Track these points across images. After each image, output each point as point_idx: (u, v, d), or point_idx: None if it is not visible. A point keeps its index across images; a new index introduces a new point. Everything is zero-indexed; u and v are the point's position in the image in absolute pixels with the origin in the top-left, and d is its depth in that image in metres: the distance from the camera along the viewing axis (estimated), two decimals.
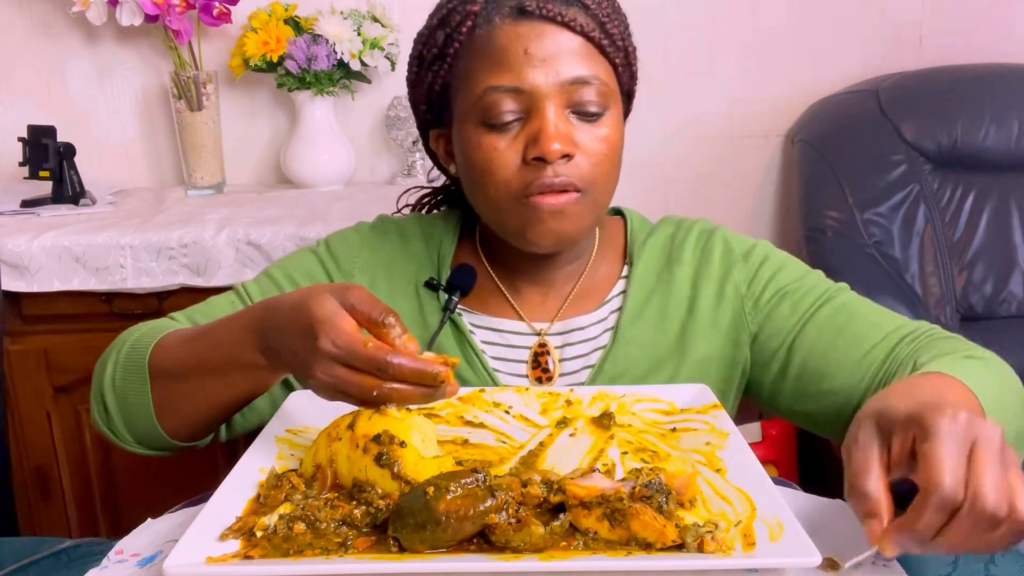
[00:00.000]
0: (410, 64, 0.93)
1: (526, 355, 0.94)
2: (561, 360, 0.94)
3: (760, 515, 0.61)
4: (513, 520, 0.58)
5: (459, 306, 0.95)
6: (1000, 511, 0.54)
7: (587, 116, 0.84)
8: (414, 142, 1.93)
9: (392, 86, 1.97)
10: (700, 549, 0.57)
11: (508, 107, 0.83)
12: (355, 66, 1.83)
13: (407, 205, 1.11)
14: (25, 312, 1.60)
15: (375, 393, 0.66)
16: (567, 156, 0.82)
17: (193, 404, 0.82)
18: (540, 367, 0.94)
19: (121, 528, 0.69)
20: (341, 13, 1.84)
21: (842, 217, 1.83)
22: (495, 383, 0.92)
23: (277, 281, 0.96)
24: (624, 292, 0.96)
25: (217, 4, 1.78)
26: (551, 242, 0.87)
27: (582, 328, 0.95)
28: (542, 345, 0.94)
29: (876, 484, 0.58)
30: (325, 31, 1.81)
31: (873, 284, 1.77)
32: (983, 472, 0.54)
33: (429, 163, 2.02)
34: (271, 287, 0.95)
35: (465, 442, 0.78)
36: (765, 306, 0.94)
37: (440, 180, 1.08)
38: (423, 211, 1.09)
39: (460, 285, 0.94)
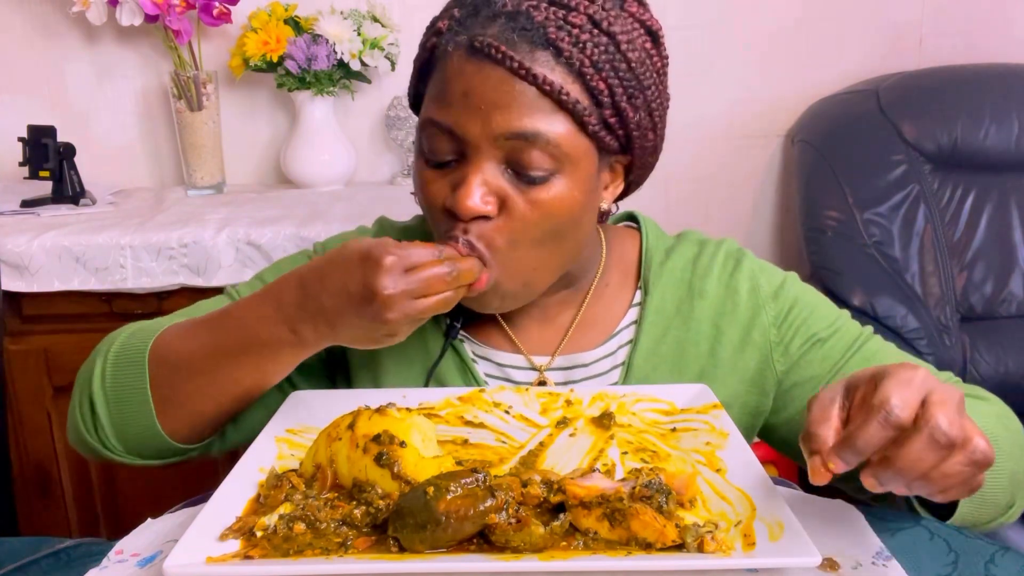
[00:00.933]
0: None
1: None
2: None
3: (760, 515, 0.61)
4: (513, 520, 0.58)
5: (460, 333, 0.88)
6: (952, 433, 0.54)
7: (525, 179, 0.74)
8: (414, 142, 1.93)
9: (392, 86, 1.97)
10: (700, 549, 0.57)
11: (442, 146, 0.76)
12: (355, 66, 1.83)
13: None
14: (25, 312, 1.59)
15: (449, 278, 0.69)
16: (484, 217, 0.74)
17: (199, 396, 0.77)
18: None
19: (121, 528, 0.69)
20: (341, 13, 1.84)
21: (842, 217, 1.83)
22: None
23: (266, 280, 0.89)
24: (637, 323, 0.87)
25: (217, 4, 1.78)
26: (476, 308, 0.81)
27: (587, 365, 0.87)
28: (542, 383, 0.87)
29: (827, 429, 0.58)
30: (325, 31, 1.81)
31: (873, 284, 1.77)
32: (936, 405, 0.55)
33: None
34: (260, 285, 0.88)
35: (465, 442, 0.78)
36: (795, 353, 0.86)
37: None
38: None
39: (464, 310, 0.83)
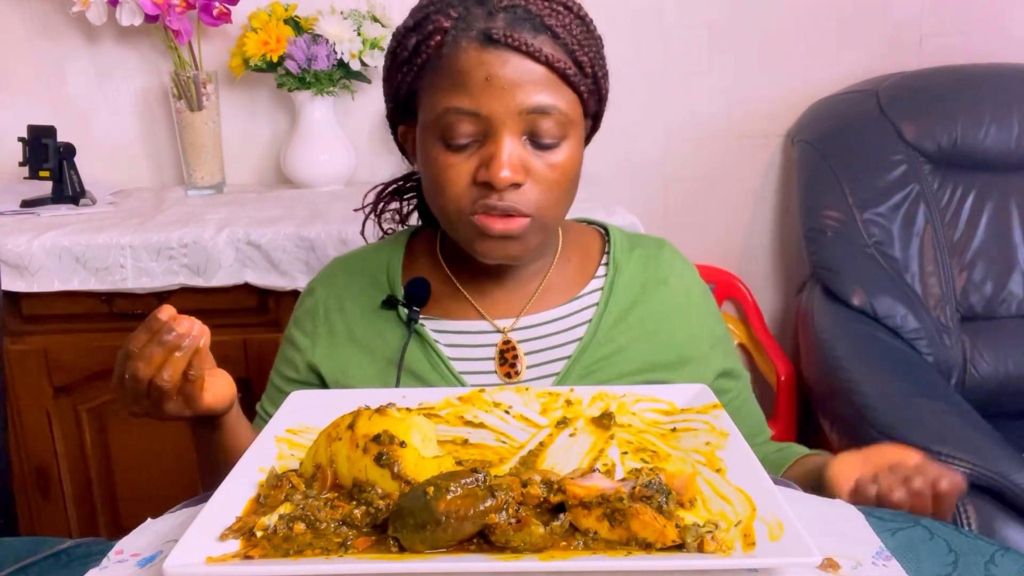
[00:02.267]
0: (385, 57, 0.94)
1: (492, 353, 0.95)
2: (528, 354, 0.95)
3: (760, 515, 0.61)
4: (513, 520, 0.58)
5: (420, 317, 0.97)
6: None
7: (542, 145, 0.86)
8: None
9: None
10: (700, 549, 0.57)
11: (466, 129, 0.85)
12: (355, 66, 1.83)
13: (368, 204, 1.10)
14: (25, 312, 1.59)
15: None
16: (516, 184, 0.85)
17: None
18: (507, 363, 0.95)
19: (121, 528, 0.69)
20: (341, 13, 1.84)
21: (842, 217, 1.83)
22: (463, 386, 0.93)
23: (277, 386, 1.02)
24: (604, 291, 0.98)
25: (217, 4, 1.78)
26: (498, 258, 0.90)
27: (553, 321, 0.97)
28: (507, 342, 0.96)
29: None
30: (325, 31, 1.81)
31: (873, 284, 1.77)
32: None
33: None
34: (276, 393, 1.01)
35: (465, 442, 0.78)
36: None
37: None
38: (387, 203, 1.10)
39: (416, 296, 0.96)
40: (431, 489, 0.59)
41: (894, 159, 1.84)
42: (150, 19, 1.77)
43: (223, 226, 1.59)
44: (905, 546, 0.65)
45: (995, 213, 1.85)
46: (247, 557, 0.58)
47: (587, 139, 0.96)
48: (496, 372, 0.95)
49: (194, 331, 0.78)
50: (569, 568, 0.56)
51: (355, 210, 1.11)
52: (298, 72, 1.81)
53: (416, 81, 0.89)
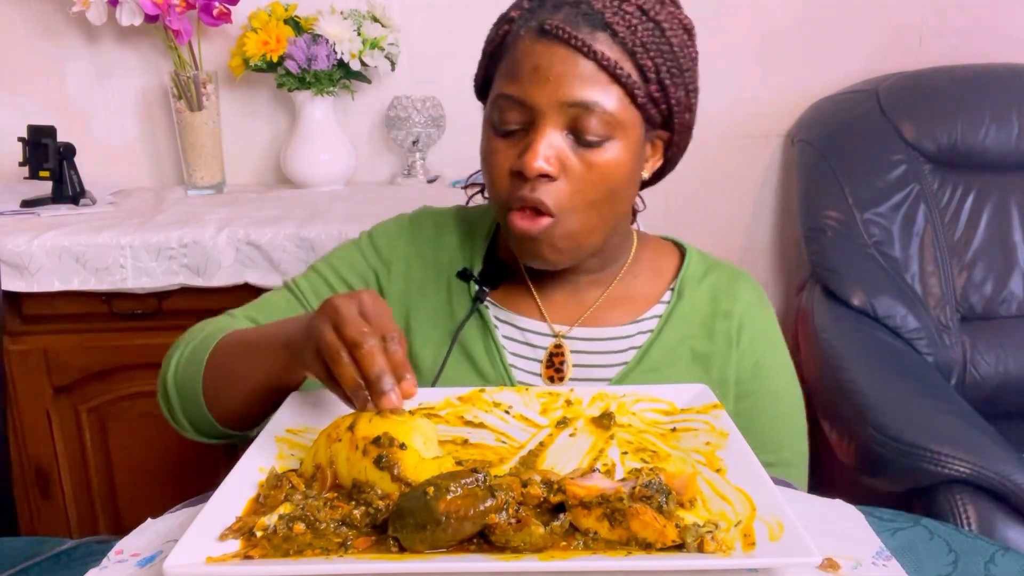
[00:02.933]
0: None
1: (541, 355, 0.96)
2: (577, 365, 0.95)
3: (760, 515, 0.61)
4: (513, 520, 0.58)
5: (488, 299, 0.97)
6: None
7: (584, 142, 0.85)
8: (414, 142, 1.93)
9: (392, 86, 1.97)
10: (700, 549, 0.57)
11: (513, 117, 0.86)
12: (355, 66, 1.83)
13: (473, 184, 1.10)
14: (25, 312, 1.60)
15: (337, 357, 0.69)
16: (548, 177, 0.84)
17: (237, 400, 0.87)
18: (553, 367, 0.95)
19: (121, 528, 0.69)
20: (341, 13, 1.84)
21: (842, 217, 1.83)
22: (510, 378, 0.95)
23: (324, 275, 1.01)
24: (662, 319, 0.97)
25: (217, 4, 1.78)
26: (530, 260, 0.91)
27: (607, 339, 0.96)
28: (558, 346, 0.96)
29: None
30: (325, 31, 1.81)
31: (873, 284, 1.77)
32: None
33: (429, 163, 2.02)
34: (319, 281, 1.00)
35: (465, 442, 0.78)
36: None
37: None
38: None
39: (492, 278, 0.97)
40: (431, 489, 0.59)
41: (894, 159, 1.84)
42: (150, 19, 1.77)
43: (223, 226, 1.59)
44: (905, 546, 0.65)
45: (995, 213, 1.85)
46: (247, 557, 0.58)
47: (670, 158, 0.95)
48: (541, 374, 0.95)
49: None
50: (569, 568, 0.56)
51: (461, 186, 1.12)
52: (298, 72, 1.81)
53: (489, 70, 0.91)
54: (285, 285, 1.02)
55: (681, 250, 1.04)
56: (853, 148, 1.88)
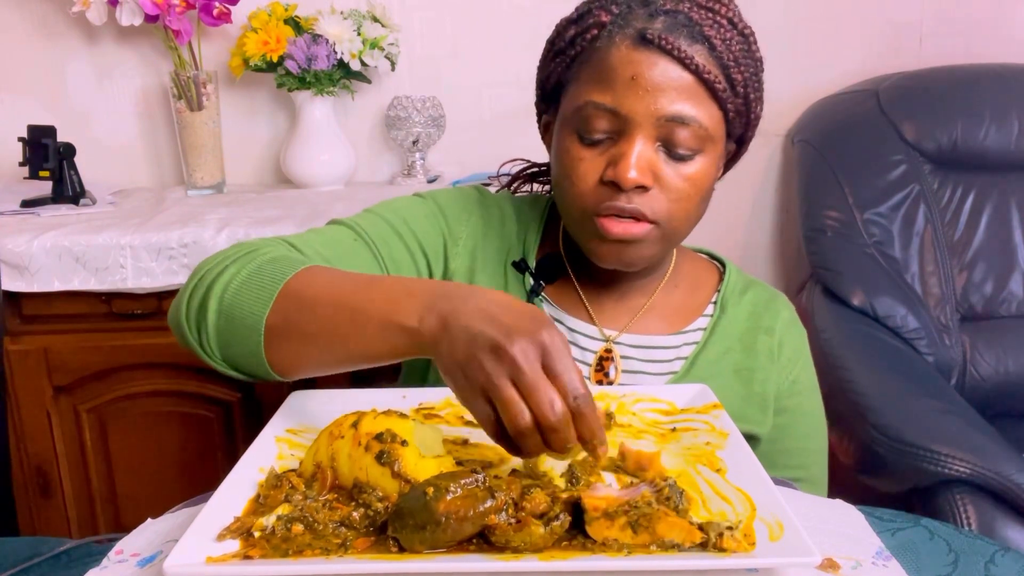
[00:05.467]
0: (544, 46, 0.93)
1: (590, 358, 0.95)
2: (626, 371, 0.95)
3: (760, 515, 0.61)
4: (513, 520, 0.58)
5: (542, 295, 0.96)
6: None
7: (675, 156, 0.83)
8: (414, 142, 1.93)
9: (392, 86, 1.97)
10: (720, 547, 0.57)
11: (602, 125, 0.83)
12: (355, 66, 1.83)
13: (506, 175, 1.10)
14: (25, 312, 1.59)
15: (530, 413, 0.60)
16: (643, 188, 0.82)
17: (313, 344, 0.73)
18: (603, 371, 0.94)
19: (121, 528, 0.69)
20: (341, 13, 1.84)
21: (842, 217, 1.83)
22: None
23: (393, 225, 0.92)
24: (706, 331, 0.97)
25: (217, 4, 1.78)
26: (612, 262, 0.88)
27: (655, 348, 0.95)
28: (608, 351, 0.95)
29: None
30: (325, 31, 1.81)
31: (873, 284, 1.77)
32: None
33: (429, 163, 2.02)
34: (384, 226, 0.92)
35: (465, 442, 0.78)
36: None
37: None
38: (521, 184, 1.09)
39: (547, 273, 0.95)
40: (431, 490, 0.59)
41: (894, 159, 1.84)
42: (150, 19, 1.77)
43: (223, 226, 1.59)
44: (905, 546, 0.65)
45: (995, 213, 1.85)
46: (247, 557, 0.58)
47: (728, 165, 0.95)
48: (590, 377, 0.95)
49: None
50: (569, 568, 0.56)
51: (490, 177, 1.10)
52: (298, 72, 1.81)
53: (566, 72, 0.88)
54: (344, 224, 0.93)
55: (717, 263, 1.05)
56: (853, 148, 1.88)
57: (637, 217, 0.83)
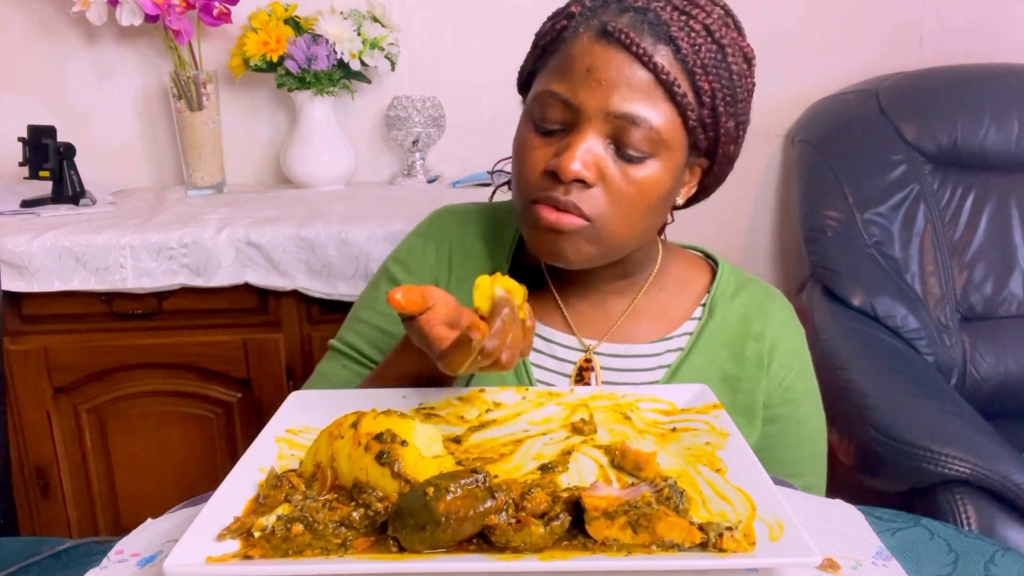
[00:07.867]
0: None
1: (569, 369, 0.93)
2: (606, 382, 0.93)
3: (760, 515, 0.61)
4: (513, 520, 0.58)
5: None
6: None
7: (624, 156, 0.81)
8: (414, 142, 1.93)
9: (392, 86, 1.97)
10: (719, 546, 0.57)
11: (556, 115, 0.82)
12: (355, 66, 1.83)
13: (501, 171, 1.08)
14: (25, 312, 1.60)
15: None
16: (583, 183, 0.81)
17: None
18: (583, 381, 0.92)
19: (121, 528, 0.69)
20: (341, 13, 1.84)
21: (842, 217, 1.83)
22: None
23: (377, 325, 0.97)
24: (692, 336, 0.94)
25: (217, 4, 1.78)
26: (547, 255, 0.86)
27: (636, 357, 0.93)
28: (588, 360, 0.93)
29: None
30: (325, 31, 1.81)
31: (873, 284, 1.77)
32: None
33: (429, 163, 2.02)
34: (372, 332, 0.97)
35: (464, 441, 0.78)
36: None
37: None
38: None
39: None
40: (431, 490, 0.59)
41: (894, 159, 1.84)
42: (150, 19, 1.77)
43: (223, 226, 1.59)
44: (905, 546, 0.65)
45: (995, 213, 1.85)
46: (247, 557, 0.58)
47: (707, 186, 0.93)
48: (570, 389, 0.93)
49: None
50: (569, 568, 0.56)
51: (490, 172, 1.08)
52: (298, 72, 1.81)
53: (536, 62, 0.88)
54: (336, 350, 0.99)
55: (711, 263, 1.01)
56: (853, 148, 1.88)
57: (569, 211, 0.81)
